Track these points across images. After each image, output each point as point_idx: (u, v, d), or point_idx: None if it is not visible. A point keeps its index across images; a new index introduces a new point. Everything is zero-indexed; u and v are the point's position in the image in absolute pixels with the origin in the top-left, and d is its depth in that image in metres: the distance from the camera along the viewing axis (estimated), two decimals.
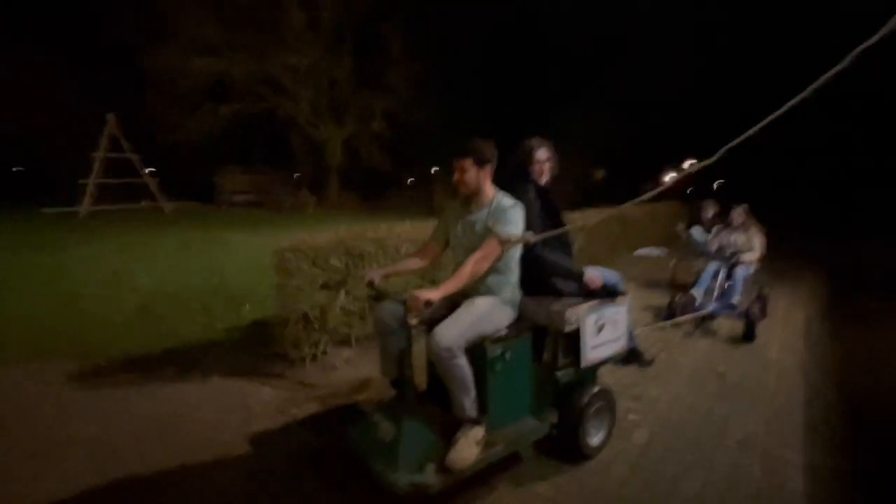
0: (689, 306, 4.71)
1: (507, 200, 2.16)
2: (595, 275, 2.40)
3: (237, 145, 18.22)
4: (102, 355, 3.62)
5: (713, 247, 5.16)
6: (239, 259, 7.51)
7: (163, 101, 16.31)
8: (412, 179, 23.58)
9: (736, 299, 4.57)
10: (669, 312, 4.72)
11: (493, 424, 2.08)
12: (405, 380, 2.05)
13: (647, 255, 6.91)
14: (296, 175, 19.96)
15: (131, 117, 15.23)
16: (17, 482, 2.17)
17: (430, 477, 1.83)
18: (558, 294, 2.34)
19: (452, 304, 2.07)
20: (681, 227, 6.11)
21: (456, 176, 2.14)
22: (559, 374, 2.26)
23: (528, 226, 2.20)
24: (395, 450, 1.87)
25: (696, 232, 5.65)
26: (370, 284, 2.20)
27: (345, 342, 3.67)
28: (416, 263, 2.39)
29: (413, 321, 1.97)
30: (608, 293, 2.38)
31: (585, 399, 2.34)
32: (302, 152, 18.99)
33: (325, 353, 3.53)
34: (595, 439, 2.41)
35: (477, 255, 2.04)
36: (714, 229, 5.44)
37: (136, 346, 3.83)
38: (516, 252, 2.21)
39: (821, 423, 2.75)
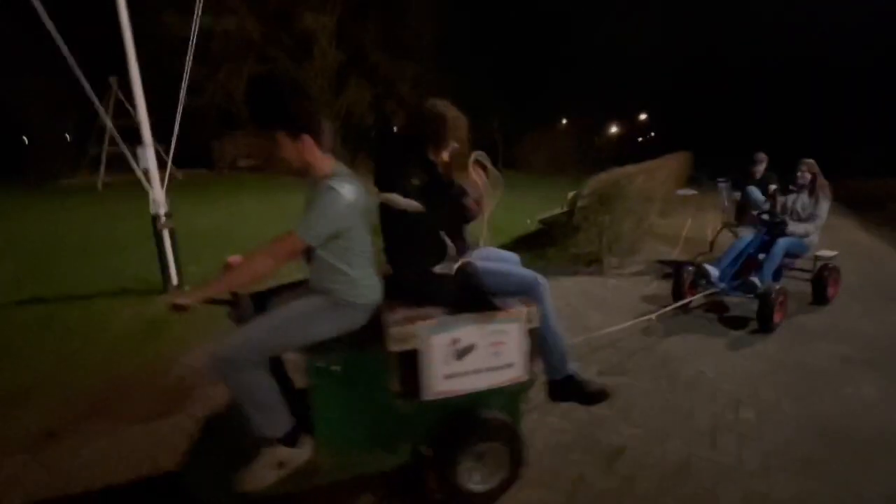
0: (701, 282, 3.84)
1: (332, 182, 1.59)
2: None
3: (233, 109, 17.40)
4: None
5: (773, 210, 4.13)
6: None
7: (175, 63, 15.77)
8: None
9: (762, 277, 3.65)
10: (676, 288, 3.89)
11: (321, 446, 1.73)
12: None
13: (685, 193, 7.79)
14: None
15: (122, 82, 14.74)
16: None
17: (225, 498, 1.69)
18: (423, 299, 1.72)
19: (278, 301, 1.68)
20: (722, 183, 5.47)
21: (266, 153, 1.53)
22: (400, 403, 1.70)
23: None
24: (192, 467, 1.77)
25: (754, 191, 4.71)
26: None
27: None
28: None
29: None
30: (489, 305, 1.72)
31: (461, 435, 1.76)
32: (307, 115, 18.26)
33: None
34: (479, 486, 1.82)
35: (265, 248, 1.56)
36: (778, 190, 4.60)
37: None
38: (354, 242, 1.65)
39: None
